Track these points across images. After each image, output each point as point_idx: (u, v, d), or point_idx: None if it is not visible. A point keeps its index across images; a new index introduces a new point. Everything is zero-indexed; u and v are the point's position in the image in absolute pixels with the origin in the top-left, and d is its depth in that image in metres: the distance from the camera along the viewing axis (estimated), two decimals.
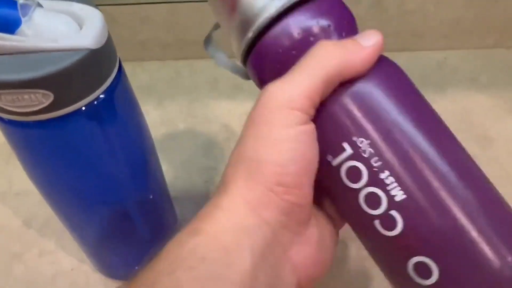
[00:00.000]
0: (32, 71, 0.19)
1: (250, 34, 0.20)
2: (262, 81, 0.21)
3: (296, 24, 0.20)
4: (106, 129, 0.24)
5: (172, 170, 0.40)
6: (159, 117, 0.44)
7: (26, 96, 0.19)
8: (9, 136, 0.22)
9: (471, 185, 0.18)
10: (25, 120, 0.20)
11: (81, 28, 0.21)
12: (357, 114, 0.19)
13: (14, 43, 0.19)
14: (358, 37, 0.20)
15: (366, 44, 0.19)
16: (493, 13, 0.46)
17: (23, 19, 0.19)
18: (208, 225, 0.18)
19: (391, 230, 0.18)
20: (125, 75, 0.24)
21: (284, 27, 0.20)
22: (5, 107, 0.20)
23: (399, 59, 0.21)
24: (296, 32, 0.20)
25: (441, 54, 0.48)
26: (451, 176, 0.18)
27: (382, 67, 0.20)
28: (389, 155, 0.18)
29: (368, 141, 0.18)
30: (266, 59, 0.21)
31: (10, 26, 0.19)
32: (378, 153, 0.18)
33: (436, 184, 0.18)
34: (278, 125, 0.18)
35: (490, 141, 0.41)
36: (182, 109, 0.45)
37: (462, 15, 0.46)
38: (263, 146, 0.19)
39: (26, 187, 0.39)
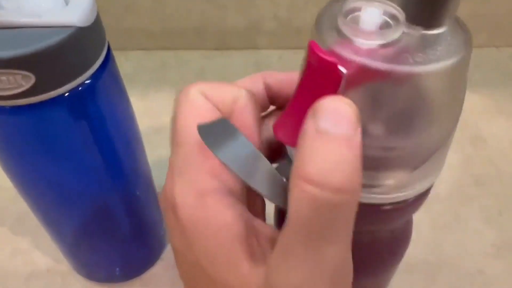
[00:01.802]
0: (11, 49, 0.17)
1: None
2: None
3: None
4: (90, 118, 0.21)
5: (156, 166, 0.38)
6: (143, 109, 0.42)
7: (3, 78, 0.17)
8: None
9: None
10: (1, 105, 0.18)
11: (67, 3, 0.18)
12: None
13: None
14: None
15: None
16: (484, 12, 0.45)
17: None
18: None
19: None
20: (113, 59, 0.22)
21: None
22: None
23: None
24: None
25: None
26: None
27: None
28: None
29: None
30: None
31: None
32: None
33: None
34: None
35: (483, 141, 0.40)
36: (168, 101, 0.43)
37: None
38: None
39: None
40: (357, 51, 0.13)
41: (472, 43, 0.15)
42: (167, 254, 0.33)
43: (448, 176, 0.38)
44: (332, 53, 0.13)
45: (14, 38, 0.17)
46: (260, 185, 0.15)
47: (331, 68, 0.13)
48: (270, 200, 0.15)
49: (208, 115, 0.17)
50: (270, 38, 0.46)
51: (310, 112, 0.13)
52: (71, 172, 0.24)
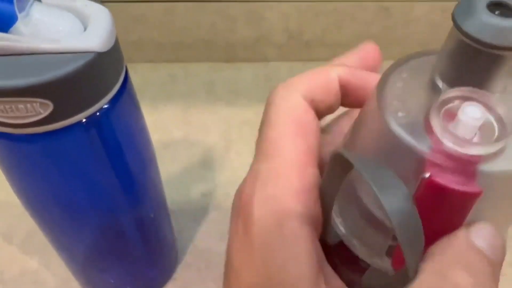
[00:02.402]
0: (29, 77, 0.16)
1: None
2: None
3: None
4: (108, 142, 0.21)
5: (166, 182, 0.37)
6: (152, 123, 0.41)
7: (21, 106, 0.16)
8: None
9: None
10: (18, 132, 0.17)
11: (85, 28, 0.18)
12: None
13: (8, 43, 0.16)
14: None
15: None
16: None
17: (19, 15, 0.16)
18: None
19: None
20: (130, 82, 0.21)
21: None
22: None
23: None
24: None
25: None
26: None
27: None
28: None
29: None
30: None
31: (4, 22, 0.16)
32: None
33: None
34: None
35: None
36: (177, 115, 0.43)
37: None
38: None
39: (5, 198, 0.36)
40: (469, 161, 0.12)
41: None
42: (179, 274, 0.33)
43: None
44: (461, 177, 0.12)
45: (32, 65, 0.16)
46: (409, 247, 0.13)
47: (471, 197, 0.12)
48: (408, 260, 0.13)
49: (309, 127, 0.16)
50: (279, 50, 0.46)
51: (464, 227, 0.13)
52: (86, 193, 0.23)
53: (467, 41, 0.12)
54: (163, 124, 0.42)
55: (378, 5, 0.42)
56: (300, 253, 0.14)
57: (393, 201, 0.12)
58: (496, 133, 0.13)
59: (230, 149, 0.39)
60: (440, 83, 0.14)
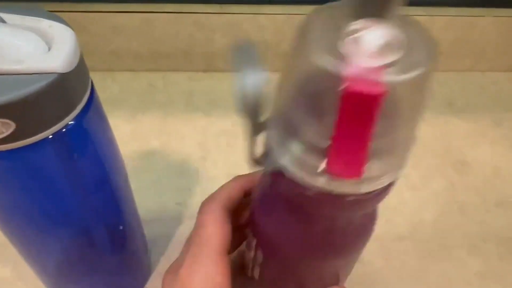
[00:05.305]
0: None
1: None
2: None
3: None
4: (75, 157, 0.21)
5: (141, 190, 0.37)
6: (130, 132, 0.42)
7: None
8: None
9: None
10: None
11: (50, 48, 0.18)
12: None
13: None
14: None
15: None
16: (468, 37, 0.46)
17: None
18: None
19: None
20: (97, 97, 0.22)
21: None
22: None
23: None
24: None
25: None
26: None
27: None
28: None
29: None
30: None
31: None
32: None
33: None
34: None
35: (467, 167, 0.41)
36: (155, 124, 0.43)
37: (441, 37, 0.46)
38: None
39: None
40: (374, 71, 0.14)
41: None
42: (152, 283, 0.33)
43: (433, 203, 0.38)
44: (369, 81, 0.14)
45: None
46: None
47: (379, 97, 0.14)
48: None
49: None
50: None
51: None
52: (55, 206, 0.24)
53: None
54: (141, 133, 0.42)
55: None
56: None
57: None
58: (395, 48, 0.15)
59: (206, 159, 0.40)
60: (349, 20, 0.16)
